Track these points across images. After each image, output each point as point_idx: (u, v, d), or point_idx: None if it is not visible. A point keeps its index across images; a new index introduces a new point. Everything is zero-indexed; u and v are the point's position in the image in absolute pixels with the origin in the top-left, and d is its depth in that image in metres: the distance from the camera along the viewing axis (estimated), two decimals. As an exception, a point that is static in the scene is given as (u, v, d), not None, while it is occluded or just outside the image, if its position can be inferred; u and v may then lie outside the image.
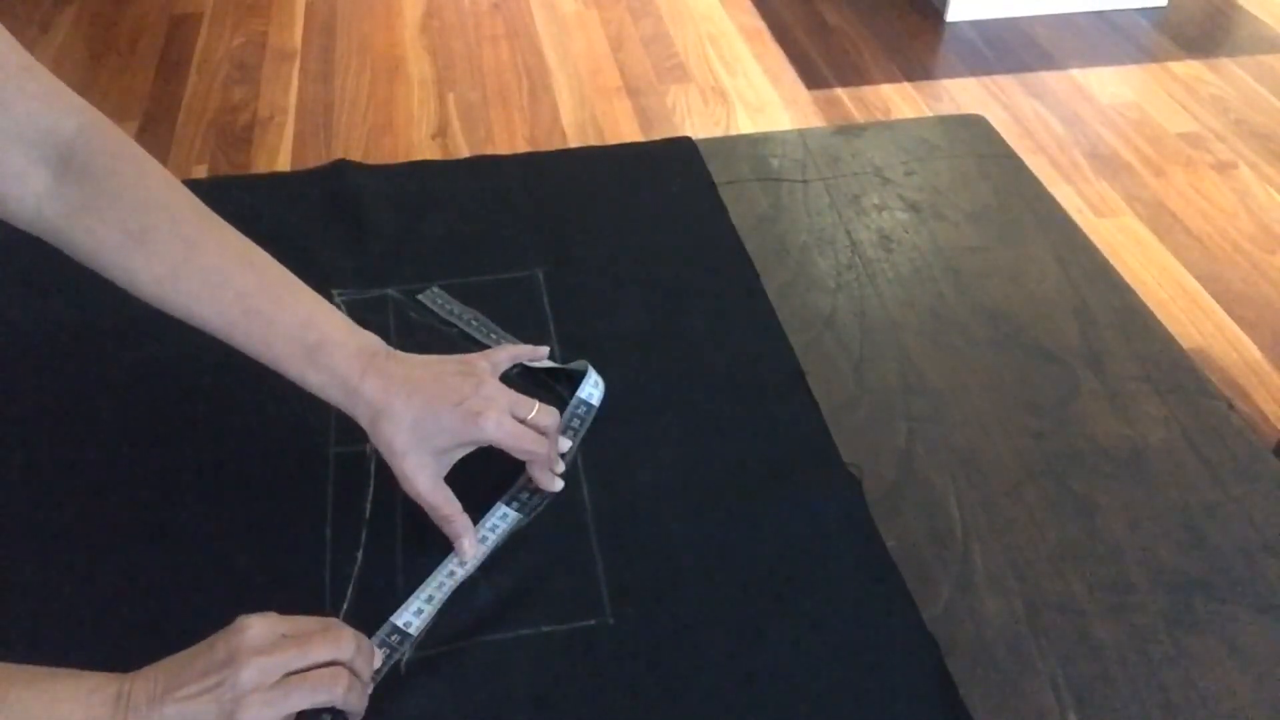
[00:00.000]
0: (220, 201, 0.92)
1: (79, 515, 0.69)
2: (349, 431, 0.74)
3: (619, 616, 0.64)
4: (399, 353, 0.68)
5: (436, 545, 0.67)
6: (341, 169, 0.99)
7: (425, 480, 0.65)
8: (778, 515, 0.69)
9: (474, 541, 0.67)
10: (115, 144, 0.67)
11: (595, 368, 0.78)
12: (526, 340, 0.81)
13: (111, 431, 0.74)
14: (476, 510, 0.69)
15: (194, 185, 1.03)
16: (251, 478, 0.71)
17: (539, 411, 0.68)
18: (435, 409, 0.65)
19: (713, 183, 0.98)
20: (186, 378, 0.77)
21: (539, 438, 0.68)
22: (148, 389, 0.77)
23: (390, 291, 0.86)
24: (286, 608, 0.61)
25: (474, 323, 0.82)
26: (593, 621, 0.63)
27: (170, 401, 0.76)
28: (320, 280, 0.86)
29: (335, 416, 0.75)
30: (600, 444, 0.74)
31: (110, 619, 0.63)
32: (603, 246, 0.91)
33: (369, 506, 0.70)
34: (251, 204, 0.94)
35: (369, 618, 0.63)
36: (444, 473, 0.67)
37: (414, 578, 0.65)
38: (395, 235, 0.92)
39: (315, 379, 0.65)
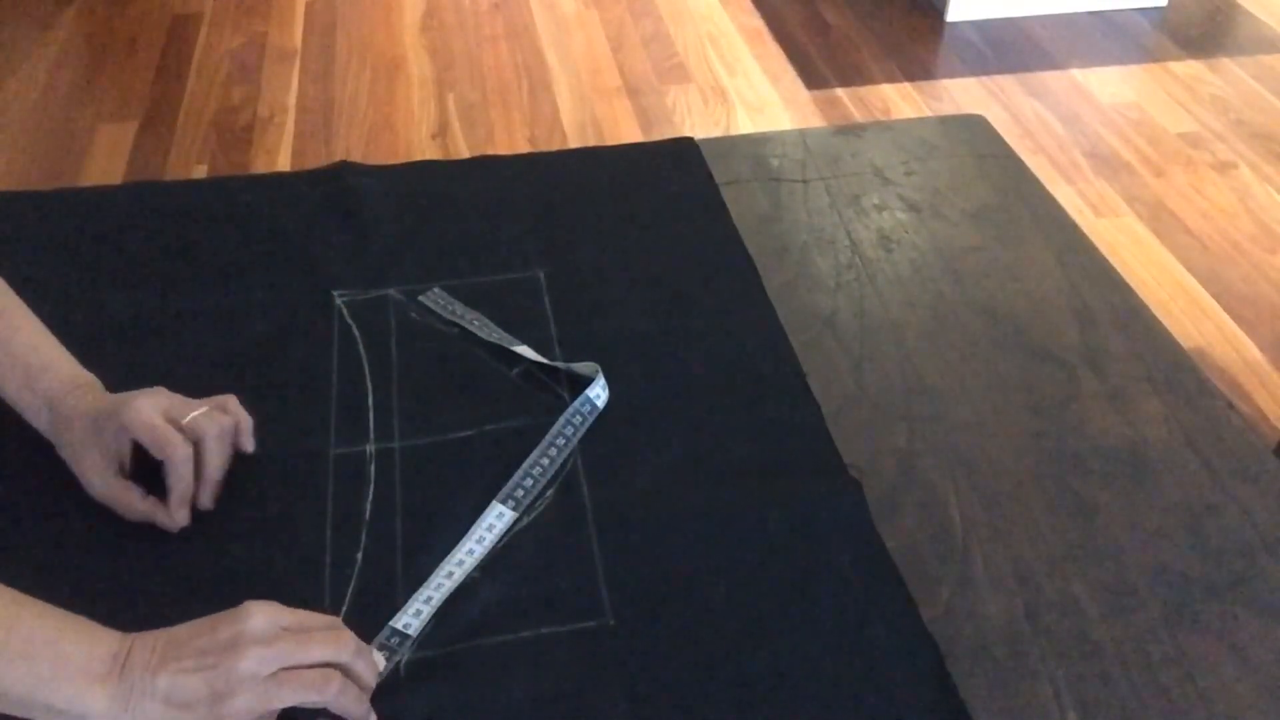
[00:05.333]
0: (220, 202, 0.93)
1: (77, 515, 0.69)
2: (349, 433, 0.74)
3: (620, 618, 0.64)
4: (119, 393, 0.70)
5: (436, 547, 0.67)
6: (342, 169, 0.99)
7: (97, 481, 0.67)
8: (778, 517, 0.69)
9: (169, 515, 0.67)
10: None
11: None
12: (529, 340, 0.81)
13: None
14: (471, 510, 0.69)
15: (194, 185, 1.03)
16: (252, 478, 0.71)
17: (199, 416, 0.69)
18: (101, 409, 0.68)
19: (714, 183, 0.98)
20: (186, 378, 0.77)
21: (175, 439, 0.67)
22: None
23: (391, 292, 0.86)
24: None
25: (476, 323, 0.82)
26: (593, 623, 0.63)
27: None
28: (320, 280, 0.86)
29: (335, 418, 0.75)
30: (601, 445, 0.74)
31: (110, 618, 0.63)
32: (604, 247, 0.91)
33: (369, 507, 0.70)
34: (251, 204, 0.94)
35: (368, 619, 0.63)
36: (121, 471, 0.68)
37: (413, 579, 0.65)
38: (396, 236, 0.92)
39: (30, 401, 0.69)
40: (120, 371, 0.77)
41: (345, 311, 0.84)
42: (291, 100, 2.42)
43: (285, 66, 2.55)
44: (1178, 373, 0.80)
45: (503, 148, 2.25)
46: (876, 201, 0.97)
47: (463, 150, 2.26)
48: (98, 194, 1.01)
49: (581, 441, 0.74)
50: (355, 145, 2.28)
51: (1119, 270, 0.91)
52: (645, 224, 0.94)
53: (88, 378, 0.71)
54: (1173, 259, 2.00)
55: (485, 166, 1.02)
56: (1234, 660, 0.62)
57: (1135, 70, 2.55)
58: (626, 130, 2.32)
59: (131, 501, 0.67)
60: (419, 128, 2.34)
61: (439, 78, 2.51)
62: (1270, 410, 1.71)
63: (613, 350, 0.81)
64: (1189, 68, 2.56)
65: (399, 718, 0.59)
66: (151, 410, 0.68)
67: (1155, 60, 2.59)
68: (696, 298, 0.86)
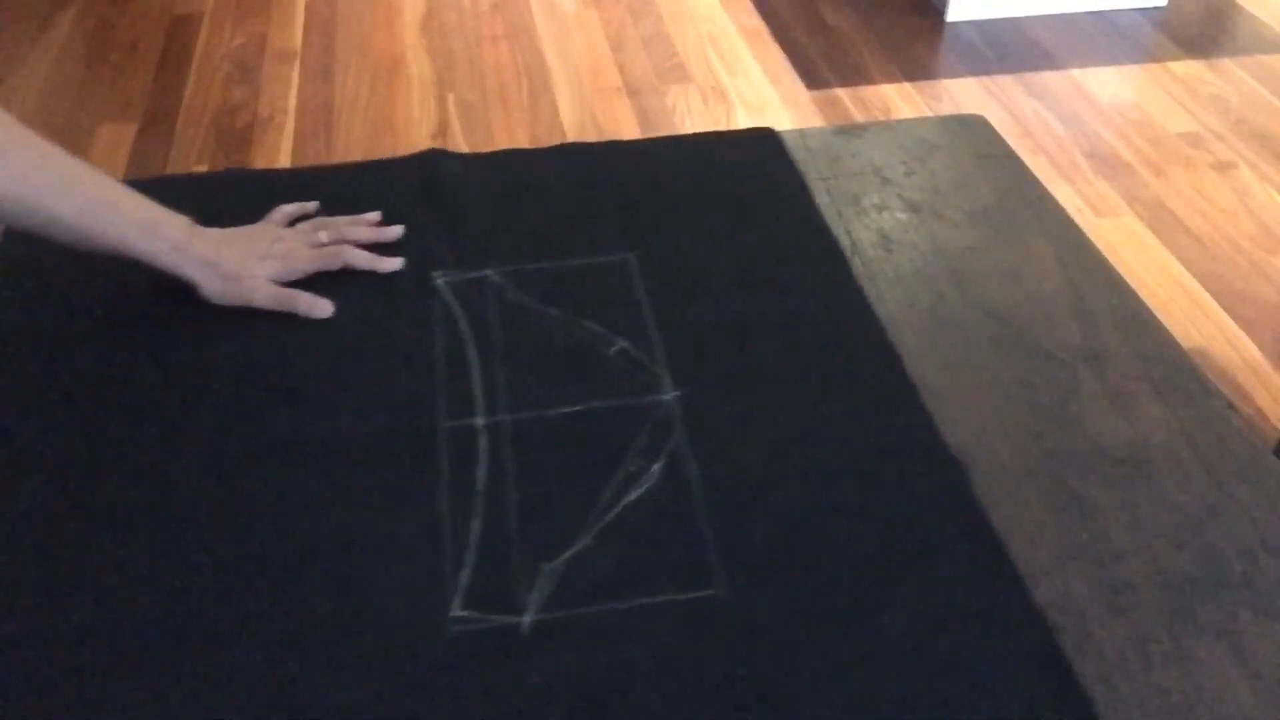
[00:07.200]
0: (308, 189, 0.99)
1: (207, 486, 0.71)
2: (458, 407, 0.77)
3: (731, 588, 0.65)
4: (253, 227, 0.88)
5: (551, 515, 0.69)
6: (435, 156, 1.02)
7: (263, 293, 0.83)
8: (882, 497, 0.70)
9: (324, 303, 0.83)
10: None
11: (690, 350, 0.80)
12: (625, 328, 0.82)
13: (238, 410, 0.76)
14: (584, 482, 0.71)
15: (292, 173, 1.07)
16: (366, 449, 0.73)
17: (332, 228, 0.88)
18: (246, 247, 0.84)
19: (797, 171, 1.00)
20: (295, 354, 0.80)
21: (344, 246, 0.87)
22: (270, 369, 0.80)
23: (489, 273, 0.88)
24: (406, 578, 0.65)
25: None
26: (706, 593, 0.64)
27: (291, 380, 0.79)
28: (420, 261, 0.90)
29: (443, 393, 0.77)
30: (704, 424, 0.75)
31: (232, 586, 0.65)
32: (693, 232, 0.93)
33: (482, 478, 0.71)
34: (351, 189, 0.97)
35: (488, 587, 0.65)
36: (279, 281, 0.84)
37: (530, 545, 0.67)
38: (490, 220, 0.94)
39: (156, 246, 0.80)
40: (246, 352, 0.81)
41: (445, 291, 0.86)
42: (291, 100, 2.42)
43: (285, 66, 2.55)
44: (1178, 373, 0.80)
45: (503, 147, 2.25)
46: (876, 201, 0.97)
47: (462, 150, 2.26)
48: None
49: (685, 420, 0.75)
50: (355, 145, 2.28)
51: (1119, 270, 0.91)
52: (732, 210, 0.95)
53: (189, 221, 0.82)
54: (1173, 259, 2.00)
55: (569, 154, 1.05)
56: (1234, 660, 0.62)
57: (1135, 70, 2.55)
58: (626, 130, 2.32)
59: (297, 301, 0.83)
60: (419, 128, 2.34)
61: (439, 78, 2.51)
62: (1270, 410, 1.71)
63: (709, 332, 0.82)
64: (1189, 68, 2.56)
65: (521, 679, 0.60)
66: (308, 237, 0.87)
67: (1155, 60, 2.59)
68: (787, 283, 0.87)
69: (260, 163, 2.22)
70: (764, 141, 1.04)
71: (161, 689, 0.59)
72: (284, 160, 2.23)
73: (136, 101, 2.41)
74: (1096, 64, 2.57)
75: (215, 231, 0.84)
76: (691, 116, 2.38)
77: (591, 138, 2.29)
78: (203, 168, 2.19)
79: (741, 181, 0.99)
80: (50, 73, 2.51)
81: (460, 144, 2.28)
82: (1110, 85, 2.49)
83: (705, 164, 1.01)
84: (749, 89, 2.48)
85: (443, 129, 2.34)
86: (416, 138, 2.31)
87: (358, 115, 2.38)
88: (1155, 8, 2.78)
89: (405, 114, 2.38)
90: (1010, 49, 2.62)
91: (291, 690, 0.59)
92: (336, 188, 0.96)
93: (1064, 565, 0.67)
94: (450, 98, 2.44)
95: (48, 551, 0.67)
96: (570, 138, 2.30)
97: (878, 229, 0.94)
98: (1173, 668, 0.61)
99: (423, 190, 0.97)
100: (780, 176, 0.99)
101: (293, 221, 0.91)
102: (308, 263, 0.85)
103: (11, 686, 0.60)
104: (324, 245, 0.87)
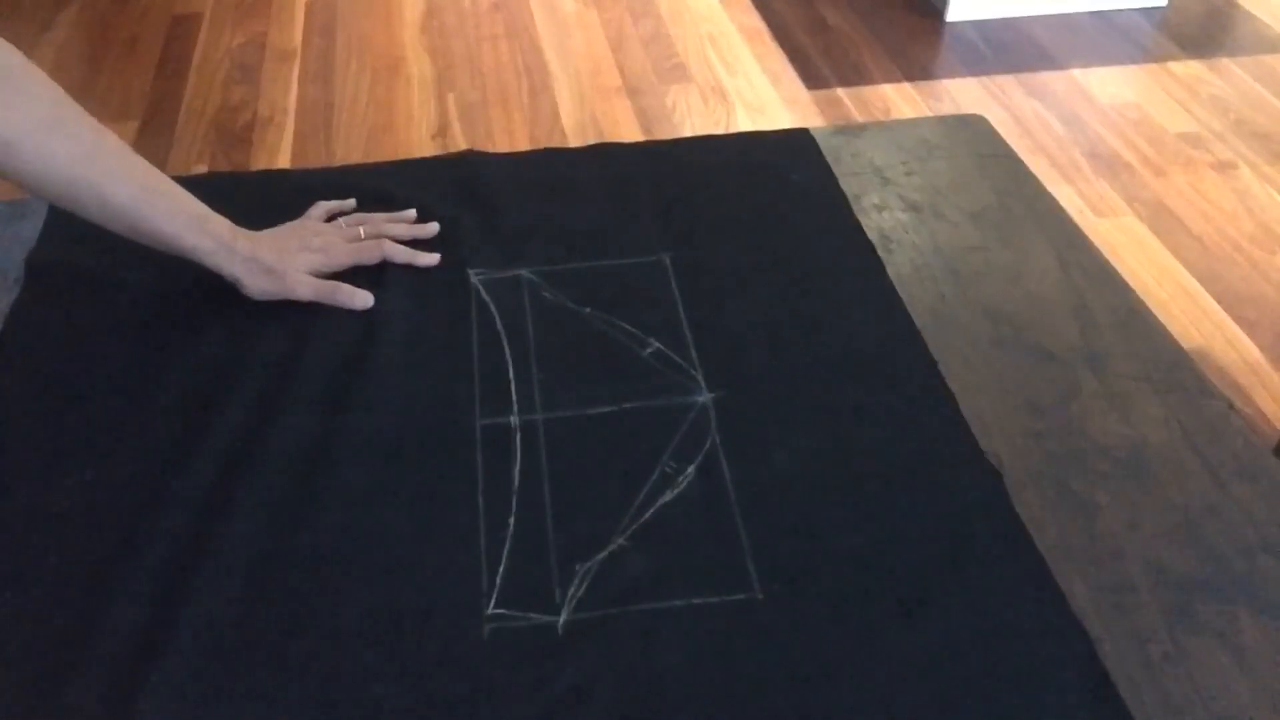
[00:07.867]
0: (343, 188, 0.99)
1: (245, 482, 0.71)
2: (493, 405, 0.77)
3: (767, 592, 0.65)
4: (292, 225, 0.89)
5: (586, 512, 0.69)
6: (469, 156, 1.03)
7: (305, 286, 0.84)
8: (918, 502, 0.70)
9: (364, 294, 0.84)
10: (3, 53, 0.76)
11: (725, 352, 0.80)
12: (659, 329, 0.83)
13: (276, 406, 0.76)
14: (618, 483, 0.71)
15: (328, 174, 1.08)
16: (403, 446, 0.73)
17: (365, 225, 0.89)
18: (285, 243, 0.85)
19: (832, 173, 1.00)
20: (331, 349, 0.81)
21: (383, 240, 0.88)
22: (307, 365, 0.80)
23: (524, 273, 0.88)
24: (443, 576, 0.65)
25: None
26: (742, 596, 0.64)
27: (329, 376, 0.79)
28: (456, 259, 0.90)
29: (480, 390, 0.78)
30: (737, 427, 0.75)
31: (269, 581, 0.65)
32: (727, 233, 0.93)
33: (517, 476, 0.71)
34: (388, 189, 0.97)
35: (524, 586, 0.65)
36: (318, 274, 0.85)
37: (565, 542, 0.67)
38: (524, 220, 0.94)
39: (205, 244, 0.80)
40: (279, 348, 0.81)
41: (481, 289, 0.86)
42: (291, 100, 2.42)
43: (285, 66, 2.55)
44: (1178, 373, 0.80)
45: (503, 148, 2.25)
46: (876, 201, 0.97)
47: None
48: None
49: (718, 423, 0.75)
50: (355, 145, 2.28)
51: (1119, 270, 0.91)
52: (766, 212, 0.95)
53: (229, 221, 0.83)
54: (1173, 259, 2.00)
55: (604, 154, 1.05)
56: (1234, 660, 0.62)
57: (1135, 70, 2.55)
58: (626, 130, 2.32)
59: (338, 291, 0.84)
60: (419, 128, 2.34)
61: (439, 78, 2.51)
62: (1270, 410, 1.71)
63: (743, 334, 0.82)
64: (1189, 68, 2.56)
65: (555, 678, 0.60)
66: (347, 232, 0.88)
67: (1155, 60, 2.59)
68: (822, 285, 0.87)
69: (261, 163, 2.21)
70: (799, 143, 1.04)
71: (202, 682, 0.60)
72: (284, 160, 2.22)
73: (136, 101, 2.41)
74: (1096, 64, 2.57)
75: (255, 232, 0.85)
76: (691, 116, 2.38)
77: (591, 138, 2.29)
78: (203, 168, 2.19)
79: (777, 183, 0.99)
80: (50, 72, 2.50)
81: (460, 144, 2.28)
82: (1110, 85, 2.49)
83: (740, 165, 1.01)
84: (749, 89, 2.48)
85: (443, 129, 2.34)
86: (416, 138, 2.31)
87: (358, 115, 2.38)
88: (1155, 8, 2.78)
89: (405, 114, 2.38)
90: (1010, 49, 2.62)
91: (328, 687, 0.60)
92: (372, 187, 0.97)
93: (1064, 565, 0.67)
94: (450, 98, 2.44)
95: (91, 546, 0.67)
96: (570, 137, 2.30)
97: (878, 229, 0.94)
98: (1173, 668, 0.61)
99: (459, 190, 0.97)
100: (816, 179, 0.99)
101: (331, 218, 0.92)
102: (346, 256, 0.87)
103: (68, 675, 0.60)
104: (362, 240, 0.88)
